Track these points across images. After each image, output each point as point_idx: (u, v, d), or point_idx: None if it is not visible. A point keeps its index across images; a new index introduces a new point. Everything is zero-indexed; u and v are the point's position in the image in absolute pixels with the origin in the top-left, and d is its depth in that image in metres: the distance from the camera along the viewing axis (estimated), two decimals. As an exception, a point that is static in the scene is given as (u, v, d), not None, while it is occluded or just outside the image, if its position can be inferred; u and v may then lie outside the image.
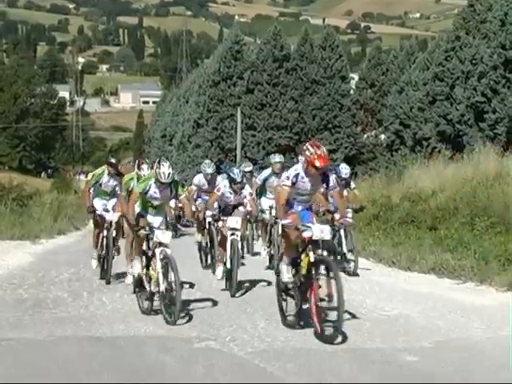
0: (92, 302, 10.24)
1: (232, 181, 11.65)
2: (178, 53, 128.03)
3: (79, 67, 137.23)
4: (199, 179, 14.73)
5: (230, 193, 11.86)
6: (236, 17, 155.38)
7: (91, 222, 21.49)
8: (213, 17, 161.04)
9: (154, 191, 9.82)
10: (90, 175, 13.57)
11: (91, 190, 13.36)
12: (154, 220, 10.05)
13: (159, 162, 9.60)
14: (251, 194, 12.04)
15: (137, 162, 11.82)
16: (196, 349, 7.52)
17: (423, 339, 7.85)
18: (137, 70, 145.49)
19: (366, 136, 51.58)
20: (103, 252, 12.90)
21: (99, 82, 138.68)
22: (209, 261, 14.17)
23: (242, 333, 8.08)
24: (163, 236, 9.47)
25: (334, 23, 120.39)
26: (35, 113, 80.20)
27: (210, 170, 14.56)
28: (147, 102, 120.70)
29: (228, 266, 11.33)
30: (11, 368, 6.66)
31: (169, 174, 9.53)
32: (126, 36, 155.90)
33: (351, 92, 52.72)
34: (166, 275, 9.05)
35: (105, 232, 12.86)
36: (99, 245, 13.02)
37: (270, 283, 11.87)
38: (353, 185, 13.85)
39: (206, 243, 14.17)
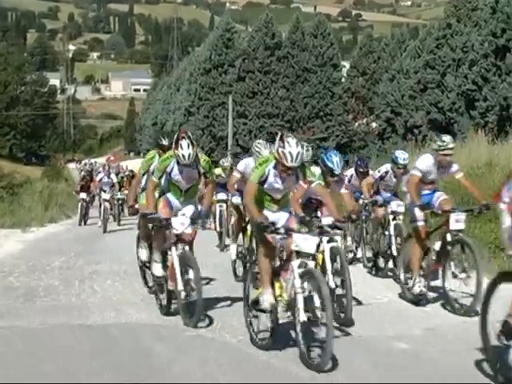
0: (83, 290, 10.23)
1: (330, 171, 8.85)
2: (169, 40, 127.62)
3: (70, 55, 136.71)
4: (247, 164, 10.73)
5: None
6: (227, 4, 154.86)
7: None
8: (204, 4, 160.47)
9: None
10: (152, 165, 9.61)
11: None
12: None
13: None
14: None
15: (175, 137, 8.29)
16: (187, 336, 7.53)
17: (414, 327, 7.89)
18: (127, 57, 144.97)
19: (357, 124, 51.67)
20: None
21: (90, 70, 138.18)
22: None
23: (233, 320, 8.09)
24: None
25: (326, 11, 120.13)
26: (25, 101, 79.76)
27: (267, 152, 10.16)
28: (138, 90, 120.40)
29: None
30: (3, 355, 6.66)
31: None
32: (117, 23, 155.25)
33: (342, 80, 52.80)
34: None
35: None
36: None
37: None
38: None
39: (248, 249, 11.08)
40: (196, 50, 77.99)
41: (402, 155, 11.39)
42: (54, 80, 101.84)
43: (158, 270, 8.69)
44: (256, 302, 6.99)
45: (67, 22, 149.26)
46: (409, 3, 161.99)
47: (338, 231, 8.08)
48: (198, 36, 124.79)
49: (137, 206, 10.05)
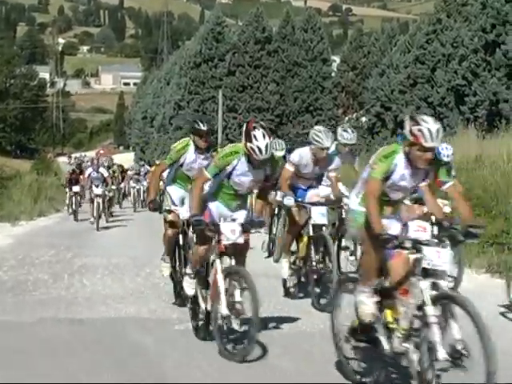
0: (72, 284, 10.21)
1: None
2: (159, 34, 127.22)
3: (59, 48, 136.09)
4: (302, 156, 8.90)
5: None
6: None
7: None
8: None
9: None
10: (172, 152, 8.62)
11: (164, 174, 9.11)
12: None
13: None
14: None
15: (244, 126, 6.68)
16: (176, 330, 7.53)
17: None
18: (117, 51, 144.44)
19: (347, 118, 51.65)
20: (179, 265, 8.76)
21: (80, 63, 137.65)
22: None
23: (223, 314, 8.08)
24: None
25: (316, 5, 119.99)
26: (15, 94, 79.45)
27: (327, 143, 8.75)
28: (128, 84, 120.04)
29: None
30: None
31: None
32: (107, 17, 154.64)
33: (333, 74, 52.80)
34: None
35: (181, 239, 8.51)
36: (176, 255, 8.82)
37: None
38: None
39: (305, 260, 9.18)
40: (186, 43, 77.79)
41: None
42: (44, 73, 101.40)
43: (190, 287, 7.18)
44: (355, 330, 5.77)
45: (57, 16, 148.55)
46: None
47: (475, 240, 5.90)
48: (188, 30, 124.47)
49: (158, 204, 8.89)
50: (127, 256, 13.17)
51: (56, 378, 5.80)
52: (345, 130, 10.28)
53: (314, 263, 8.70)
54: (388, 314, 5.54)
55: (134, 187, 30.29)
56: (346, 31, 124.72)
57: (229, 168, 6.73)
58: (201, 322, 7.18)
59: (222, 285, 6.53)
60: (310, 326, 7.64)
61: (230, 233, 6.62)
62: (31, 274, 11.13)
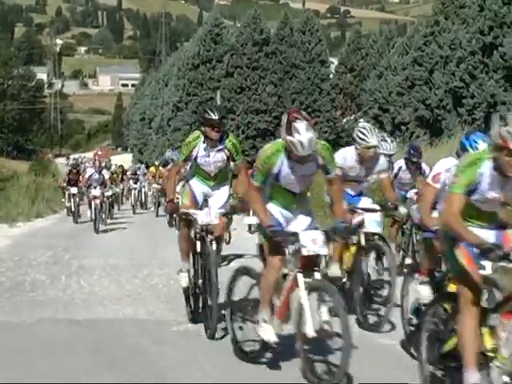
0: (70, 285, 10.21)
1: None
2: (158, 35, 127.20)
3: (57, 49, 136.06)
4: (346, 157, 8.09)
5: None
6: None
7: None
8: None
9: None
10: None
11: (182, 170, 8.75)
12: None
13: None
14: None
15: (285, 118, 5.88)
16: (174, 332, 7.53)
17: (400, 323, 7.90)
18: (115, 52, 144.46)
19: (345, 120, 51.72)
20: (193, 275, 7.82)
21: (77, 65, 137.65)
22: None
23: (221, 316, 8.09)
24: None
25: (314, 7, 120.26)
26: (12, 95, 79.41)
27: (373, 141, 7.90)
28: (126, 85, 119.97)
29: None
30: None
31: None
32: (105, 18, 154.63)
33: (331, 76, 52.82)
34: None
35: (198, 246, 7.54)
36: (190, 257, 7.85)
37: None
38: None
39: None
40: (184, 45, 77.78)
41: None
42: (42, 74, 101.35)
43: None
44: (446, 355, 5.08)
45: (55, 17, 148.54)
46: (397, 0, 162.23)
47: None
48: (187, 31, 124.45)
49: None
50: (125, 257, 13.18)
51: (55, 378, 5.81)
52: (384, 140, 9.28)
53: (364, 276, 7.69)
54: (487, 338, 4.79)
55: (134, 188, 29.82)
56: (344, 33, 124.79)
57: (275, 170, 5.91)
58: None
59: (306, 302, 5.63)
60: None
61: (312, 243, 5.71)
62: (29, 274, 11.13)
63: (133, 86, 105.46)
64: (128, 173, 33.50)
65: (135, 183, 30.07)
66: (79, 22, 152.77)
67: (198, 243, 7.46)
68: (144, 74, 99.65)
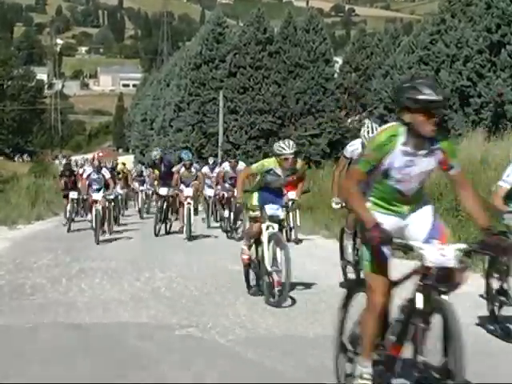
0: (71, 289, 10.21)
1: None
2: (159, 35, 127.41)
3: (57, 49, 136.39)
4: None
5: None
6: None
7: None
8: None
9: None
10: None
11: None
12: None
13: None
14: None
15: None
16: (176, 336, 7.52)
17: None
18: (116, 52, 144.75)
19: (350, 120, 51.69)
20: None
21: (78, 65, 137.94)
22: None
23: (224, 320, 8.10)
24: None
25: (318, 5, 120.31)
26: (12, 95, 79.65)
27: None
28: (127, 85, 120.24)
29: None
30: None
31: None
32: (106, 17, 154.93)
33: (335, 76, 52.79)
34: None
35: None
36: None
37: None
38: None
39: None
40: (186, 44, 77.93)
41: None
42: (42, 75, 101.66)
43: None
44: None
45: (55, 16, 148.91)
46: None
47: None
48: (189, 30, 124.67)
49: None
50: (126, 260, 13.19)
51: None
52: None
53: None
54: None
55: (141, 190, 28.05)
56: (349, 32, 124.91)
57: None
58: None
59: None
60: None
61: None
62: (29, 278, 11.13)
63: (134, 86, 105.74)
64: (133, 174, 31.79)
65: (142, 185, 28.56)
66: (80, 22, 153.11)
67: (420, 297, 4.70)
68: (145, 74, 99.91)
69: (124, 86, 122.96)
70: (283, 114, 49.82)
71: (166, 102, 59.06)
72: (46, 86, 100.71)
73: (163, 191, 18.49)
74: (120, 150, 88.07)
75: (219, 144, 48.07)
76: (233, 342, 7.17)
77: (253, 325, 7.92)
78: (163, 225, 18.50)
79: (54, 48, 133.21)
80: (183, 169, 17.76)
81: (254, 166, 9.86)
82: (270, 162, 9.52)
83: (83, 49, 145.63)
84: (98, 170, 18.00)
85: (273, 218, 9.46)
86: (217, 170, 20.96)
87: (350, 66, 52.77)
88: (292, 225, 15.85)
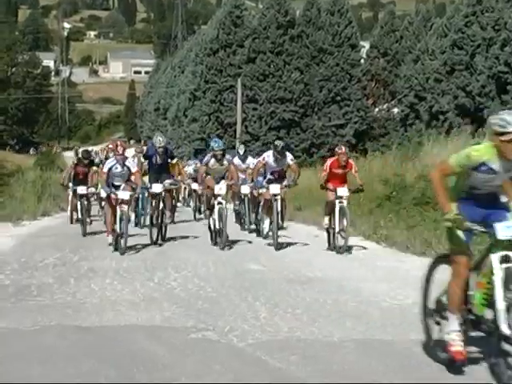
0: (79, 289, 10.24)
1: None
2: (173, 18, 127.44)
3: (65, 33, 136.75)
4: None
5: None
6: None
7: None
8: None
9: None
10: None
11: None
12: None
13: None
14: None
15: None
16: (192, 339, 7.53)
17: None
18: (128, 36, 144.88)
19: (377, 109, 51.57)
20: None
21: (87, 50, 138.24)
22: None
23: (242, 323, 8.10)
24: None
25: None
26: (17, 83, 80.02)
27: None
28: (139, 72, 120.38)
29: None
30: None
31: None
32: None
33: (362, 61, 52.69)
34: None
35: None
36: None
37: (272, 269, 11.92)
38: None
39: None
40: (202, 28, 78.00)
41: None
42: (48, 61, 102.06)
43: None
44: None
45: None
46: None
47: None
48: (205, 13, 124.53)
49: None
50: (138, 259, 13.22)
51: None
52: None
53: None
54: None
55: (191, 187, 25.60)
56: (377, 14, 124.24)
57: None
58: None
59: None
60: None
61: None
62: (35, 277, 11.19)
63: (146, 73, 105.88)
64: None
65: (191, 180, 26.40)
66: (88, 4, 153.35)
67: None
68: (158, 60, 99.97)
69: (135, 72, 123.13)
70: (306, 103, 49.76)
71: (181, 90, 59.16)
72: (52, 73, 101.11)
73: (157, 188, 15.72)
74: (131, 142, 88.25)
75: (237, 135, 48.10)
76: (252, 346, 7.17)
77: (274, 328, 7.92)
78: (159, 229, 15.78)
79: (61, 32, 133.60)
80: (213, 160, 15.37)
81: (454, 157, 6.28)
82: (483, 151, 6.12)
83: (92, 33, 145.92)
84: (123, 161, 15.09)
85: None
86: (250, 160, 19.53)
87: (377, 51, 52.61)
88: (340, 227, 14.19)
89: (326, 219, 14.46)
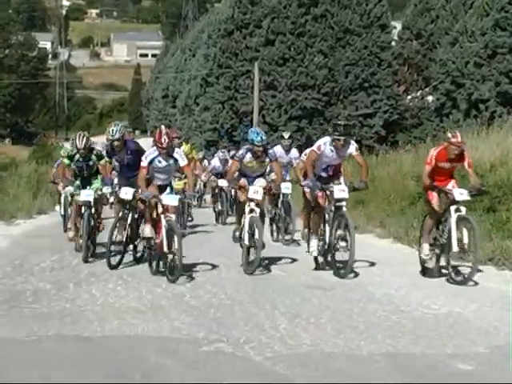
0: (79, 295, 10.29)
1: None
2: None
3: (63, 12, 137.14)
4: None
5: None
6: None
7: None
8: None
9: None
10: None
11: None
12: None
13: None
14: None
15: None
16: (204, 352, 7.55)
17: (478, 343, 7.85)
18: (133, 16, 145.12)
19: (409, 97, 51.38)
20: None
21: (87, 31, 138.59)
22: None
23: (260, 334, 8.11)
24: None
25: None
26: (10, 67, 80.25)
27: None
28: (145, 55, 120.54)
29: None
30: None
31: None
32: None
33: (393, 44, 52.46)
34: None
35: None
36: None
37: (292, 274, 11.93)
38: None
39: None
40: (215, 7, 77.99)
41: None
42: (45, 42, 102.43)
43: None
44: None
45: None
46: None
47: None
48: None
49: None
50: (144, 262, 13.23)
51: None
52: None
53: None
54: None
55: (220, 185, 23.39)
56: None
57: None
58: None
59: None
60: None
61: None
62: (30, 282, 11.24)
63: (153, 56, 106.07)
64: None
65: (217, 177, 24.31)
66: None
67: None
68: (167, 42, 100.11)
69: (141, 56, 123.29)
70: (330, 90, 49.64)
71: (192, 76, 59.23)
72: (49, 56, 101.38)
73: (127, 194, 12.90)
74: (137, 132, 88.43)
75: (254, 125, 48.10)
76: (271, 360, 7.18)
77: (295, 340, 7.92)
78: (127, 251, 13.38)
79: (59, 11, 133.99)
80: (249, 156, 13.11)
81: None
82: None
83: (94, 12, 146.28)
84: (169, 153, 12.27)
85: None
86: (293, 154, 17.44)
87: (410, 33, 52.44)
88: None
89: (427, 245, 12.12)
